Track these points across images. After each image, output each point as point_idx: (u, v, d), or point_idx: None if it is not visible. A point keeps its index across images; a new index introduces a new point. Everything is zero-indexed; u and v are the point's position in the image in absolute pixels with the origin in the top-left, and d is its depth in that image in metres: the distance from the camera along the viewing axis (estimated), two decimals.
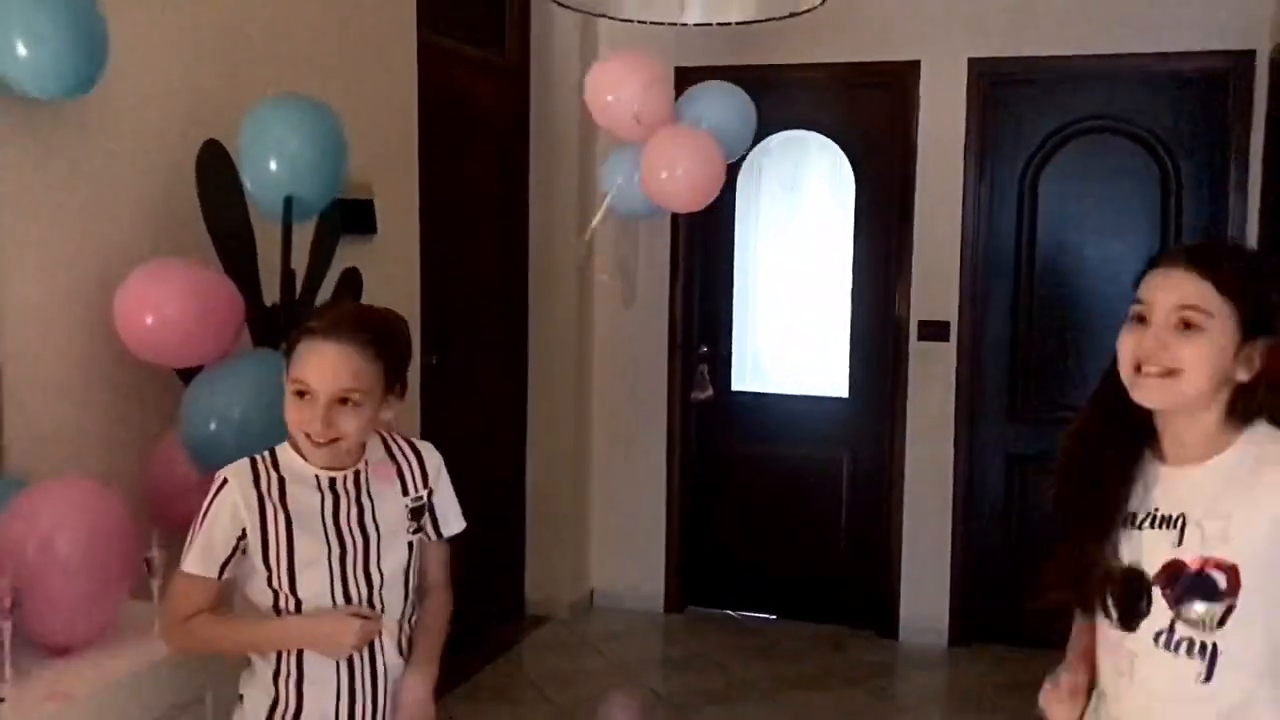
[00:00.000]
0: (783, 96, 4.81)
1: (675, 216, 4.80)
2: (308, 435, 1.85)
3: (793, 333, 5.11)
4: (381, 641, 1.93)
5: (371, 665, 1.93)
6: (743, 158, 4.84)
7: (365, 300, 2.75)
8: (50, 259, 2.46)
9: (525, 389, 4.97)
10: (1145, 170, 4.50)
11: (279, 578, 1.87)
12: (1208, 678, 1.56)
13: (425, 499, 2.01)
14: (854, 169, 4.85)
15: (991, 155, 4.64)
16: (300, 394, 1.84)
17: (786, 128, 4.88)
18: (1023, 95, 4.62)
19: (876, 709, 4.21)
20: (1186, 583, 1.56)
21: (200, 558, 1.88)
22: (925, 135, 4.66)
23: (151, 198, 2.67)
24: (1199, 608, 1.55)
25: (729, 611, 5.08)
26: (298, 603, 1.89)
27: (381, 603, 1.93)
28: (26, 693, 1.88)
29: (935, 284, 4.68)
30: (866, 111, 4.84)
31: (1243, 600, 1.53)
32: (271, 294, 2.61)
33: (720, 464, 5.08)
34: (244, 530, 1.87)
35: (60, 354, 2.47)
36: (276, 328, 2.54)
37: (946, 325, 4.68)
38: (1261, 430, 1.60)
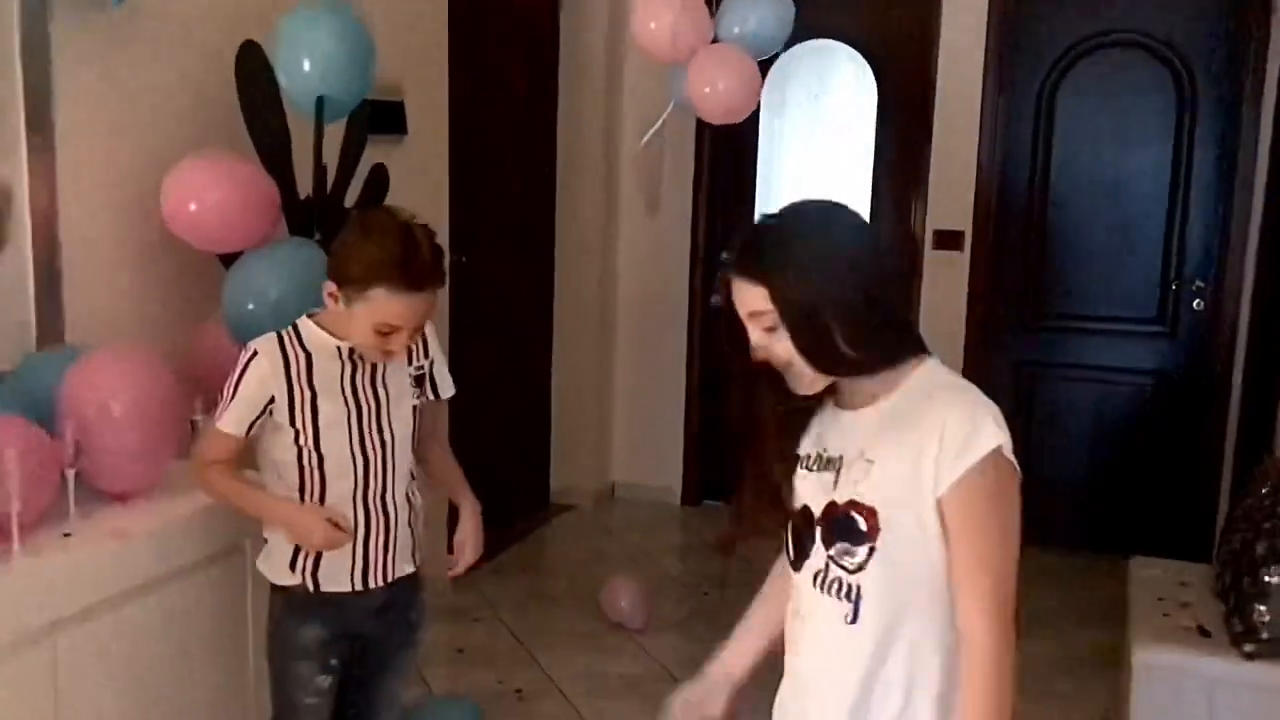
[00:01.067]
0: (809, 4, 4.88)
1: (700, 125, 4.95)
2: (386, 353, 2.09)
3: None
4: (394, 493, 2.19)
5: (383, 510, 2.19)
6: (769, 66, 4.97)
7: (395, 197, 2.95)
8: (104, 151, 2.66)
9: (551, 289, 5.16)
10: (1162, 84, 4.57)
11: (305, 437, 2.11)
12: (854, 619, 1.55)
13: (426, 368, 2.25)
14: (876, 79, 4.95)
15: (1011, 68, 4.72)
16: (384, 332, 2.04)
17: (812, 36, 4.96)
18: (1042, 8, 4.68)
19: None
20: (835, 524, 1.56)
21: (233, 418, 2.12)
22: (946, 47, 4.74)
23: (195, 95, 2.86)
24: (844, 549, 1.55)
25: None
26: (320, 458, 2.12)
27: (394, 459, 2.18)
28: (90, 530, 2.14)
29: (951, 194, 4.80)
30: (890, 22, 4.92)
31: (881, 543, 1.52)
32: (305, 187, 2.80)
33: None
34: (272, 396, 2.10)
35: (114, 237, 2.69)
36: (309, 218, 2.75)
37: (960, 235, 4.81)
38: (928, 369, 1.56)
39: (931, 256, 4.85)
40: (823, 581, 1.58)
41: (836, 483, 1.56)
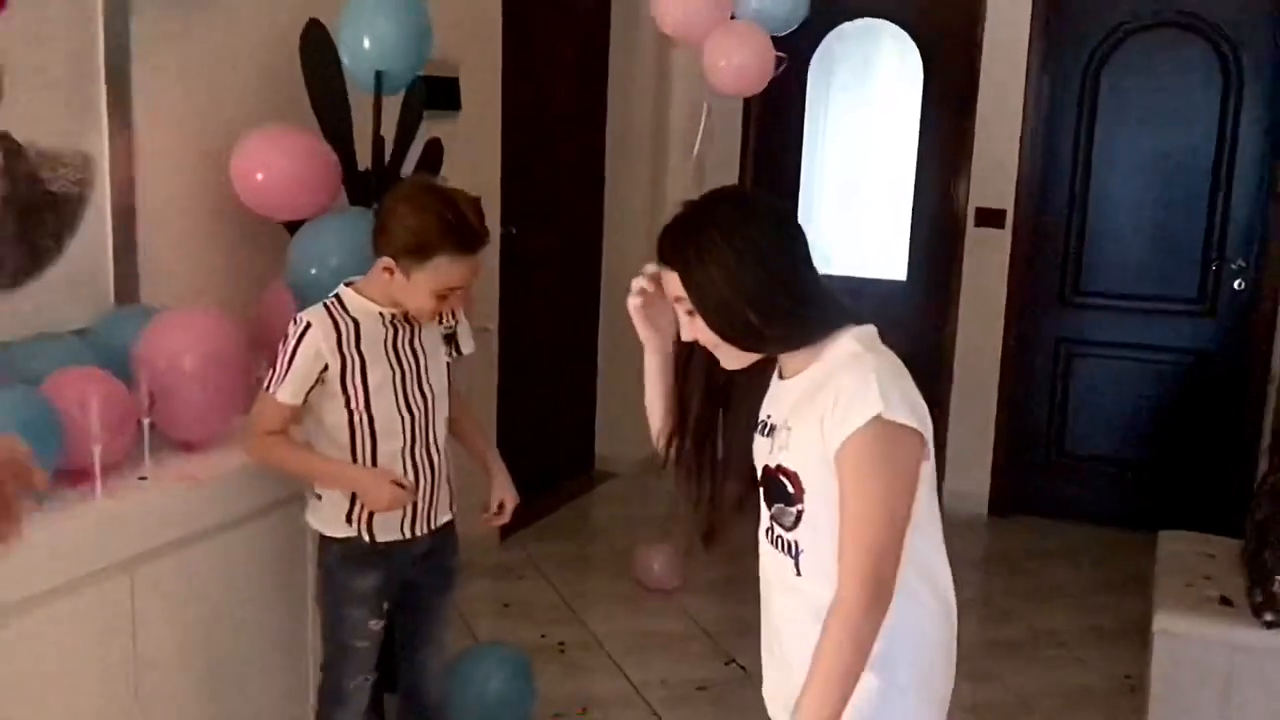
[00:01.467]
0: None
1: (746, 103, 5.05)
2: (440, 315, 2.26)
3: (856, 217, 5.33)
4: (436, 446, 2.35)
5: (428, 463, 2.35)
6: (816, 45, 5.05)
7: (449, 170, 3.10)
8: (179, 123, 2.83)
9: (599, 261, 5.28)
10: (1208, 64, 4.58)
11: (356, 401, 2.25)
12: (798, 572, 1.64)
13: (454, 328, 2.40)
14: (922, 58, 5.00)
15: (1055, 47, 4.74)
16: (444, 295, 2.19)
17: (859, 15, 5.04)
18: None
19: None
20: (770, 486, 1.65)
21: (290, 388, 2.23)
22: (992, 25, 4.78)
23: (263, 72, 3.02)
24: (780, 510, 1.64)
25: None
26: (370, 419, 2.26)
27: (434, 414, 2.33)
28: (162, 475, 2.32)
29: (994, 172, 4.85)
30: (936, 1, 4.97)
31: (807, 504, 1.59)
32: (365, 159, 2.95)
33: None
34: (326, 365, 2.22)
35: (187, 205, 2.86)
36: (368, 188, 2.90)
37: (1003, 213, 4.86)
38: (844, 342, 1.61)
39: (974, 234, 4.91)
40: (772, 537, 1.69)
41: (771, 448, 1.65)
